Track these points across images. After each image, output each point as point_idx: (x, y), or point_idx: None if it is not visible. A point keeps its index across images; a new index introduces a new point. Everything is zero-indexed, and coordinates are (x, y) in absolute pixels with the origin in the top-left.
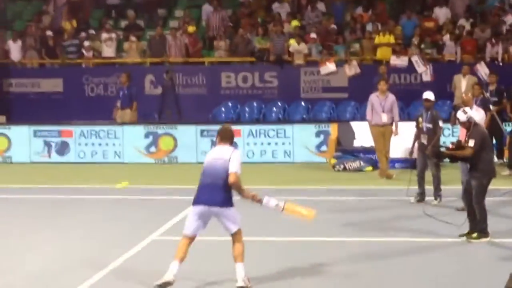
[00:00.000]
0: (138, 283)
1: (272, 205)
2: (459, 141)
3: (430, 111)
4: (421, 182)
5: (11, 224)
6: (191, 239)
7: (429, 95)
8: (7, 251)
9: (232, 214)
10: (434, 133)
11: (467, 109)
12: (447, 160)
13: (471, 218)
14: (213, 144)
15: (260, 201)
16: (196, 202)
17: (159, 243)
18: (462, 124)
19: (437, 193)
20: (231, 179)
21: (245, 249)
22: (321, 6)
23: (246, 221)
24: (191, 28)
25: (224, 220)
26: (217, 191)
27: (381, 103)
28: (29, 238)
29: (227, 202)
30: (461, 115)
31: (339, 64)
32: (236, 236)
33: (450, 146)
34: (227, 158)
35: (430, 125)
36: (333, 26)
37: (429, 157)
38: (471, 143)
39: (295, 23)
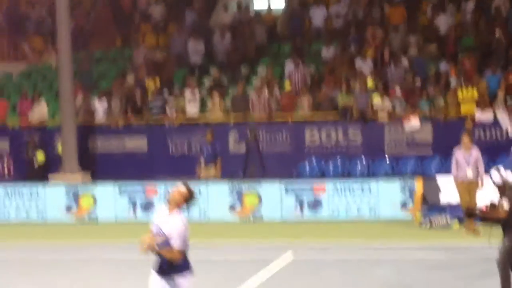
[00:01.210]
0: None
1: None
2: (493, 203)
3: None
4: None
5: (100, 285)
6: None
7: None
8: None
9: None
10: None
11: (502, 169)
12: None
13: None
14: (297, 201)
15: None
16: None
17: None
18: (497, 186)
19: None
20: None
21: None
22: (404, 62)
23: None
24: (287, 84)
25: None
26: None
27: (466, 158)
28: None
29: None
30: (495, 177)
31: (424, 119)
32: None
33: (484, 207)
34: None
35: None
36: (417, 81)
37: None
38: (506, 206)
39: (377, 79)
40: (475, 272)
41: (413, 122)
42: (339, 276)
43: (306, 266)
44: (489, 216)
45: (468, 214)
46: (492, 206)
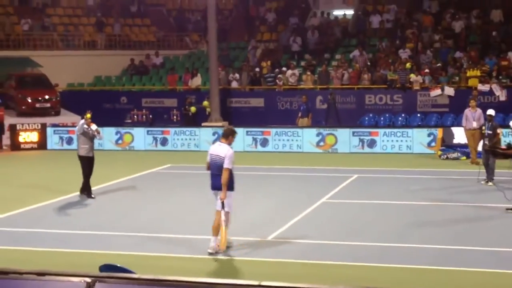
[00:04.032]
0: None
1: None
2: (509, 144)
3: (491, 122)
4: (486, 168)
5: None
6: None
7: (490, 111)
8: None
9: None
10: (493, 137)
11: None
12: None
13: None
14: (360, 141)
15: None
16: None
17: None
18: None
19: (490, 177)
20: (224, 173)
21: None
22: (431, 51)
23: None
24: (354, 65)
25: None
26: (218, 179)
27: (472, 114)
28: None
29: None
30: None
31: (443, 90)
32: (219, 213)
33: (503, 146)
34: (222, 155)
35: (490, 132)
36: (439, 64)
37: (488, 153)
38: None
39: (413, 63)
40: (472, 187)
41: (437, 91)
42: (386, 187)
43: (365, 182)
44: (507, 152)
45: (492, 152)
46: (509, 145)
